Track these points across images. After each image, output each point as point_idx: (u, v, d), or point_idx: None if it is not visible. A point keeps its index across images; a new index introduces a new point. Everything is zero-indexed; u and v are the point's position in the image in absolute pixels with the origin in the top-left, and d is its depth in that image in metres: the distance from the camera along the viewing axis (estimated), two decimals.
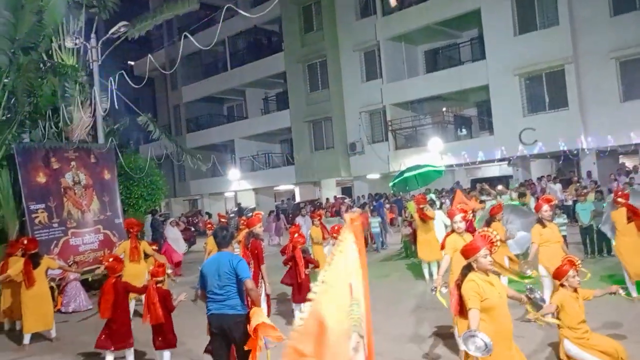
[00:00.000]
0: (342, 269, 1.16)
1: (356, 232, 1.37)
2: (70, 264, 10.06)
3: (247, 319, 4.47)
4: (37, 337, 7.70)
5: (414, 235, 11.06)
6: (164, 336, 5.62)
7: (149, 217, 14.54)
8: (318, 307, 1.00)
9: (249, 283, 4.49)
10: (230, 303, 4.50)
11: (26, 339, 7.45)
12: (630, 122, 15.33)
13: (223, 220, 11.45)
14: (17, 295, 7.72)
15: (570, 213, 12.97)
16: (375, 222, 14.41)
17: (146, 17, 13.22)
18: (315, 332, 0.94)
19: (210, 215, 26.32)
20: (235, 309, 4.50)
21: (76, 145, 11.52)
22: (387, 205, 17.79)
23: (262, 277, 6.51)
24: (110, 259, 6.12)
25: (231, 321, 4.47)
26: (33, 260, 7.49)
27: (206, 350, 4.98)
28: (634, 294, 7.06)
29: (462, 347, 3.38)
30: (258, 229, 6.85)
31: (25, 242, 7.67)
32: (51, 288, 8.40)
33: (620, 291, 5.04)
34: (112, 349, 5.78)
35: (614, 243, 7.66)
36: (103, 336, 5.81)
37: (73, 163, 11.30)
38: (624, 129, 15.51)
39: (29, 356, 7.15)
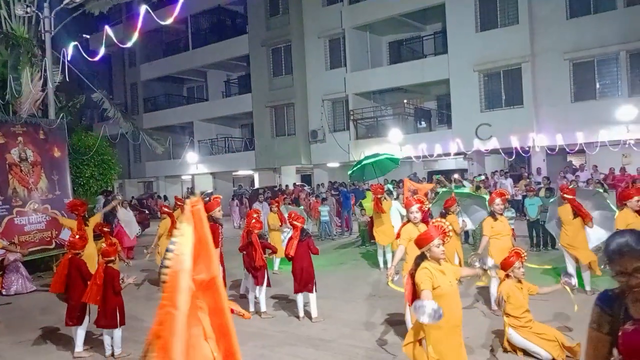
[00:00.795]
0: (183, 254, 1.10)
1: (196, 218, 1.25)
2: (9, 243, 9.61)
3: None
4: None
5: (371, 224, 11.22)
6: (106, 316, 5.57)
7: (101, 198, 14.06)
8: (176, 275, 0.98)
9: None
10: None
11: None
12: (578, 123, 16.03)
13: (179, 203, 11.23)
14: None
15: (520, 207, 13.51)
16: (324, 210, 14.46)
17: None
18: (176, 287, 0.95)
19: (165, 198, 25.80)
20: None
21: (24, 120, 10.96)
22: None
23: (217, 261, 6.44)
24: (77, 236, 6.12)
25: None
26: None
27: None
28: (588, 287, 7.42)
29: (409, 324, 3.47)
30: (217, 213, 6.80)
31: None
32: None
33: (570, 283, 5.33)
34: (69, 324, 5.84)
35: (558, 238, 8.02)
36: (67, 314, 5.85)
37: (20, 138, 10.76)
38: (572, 128, 16.20)
39: None
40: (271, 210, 10.46)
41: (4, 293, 9.07)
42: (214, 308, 1.24)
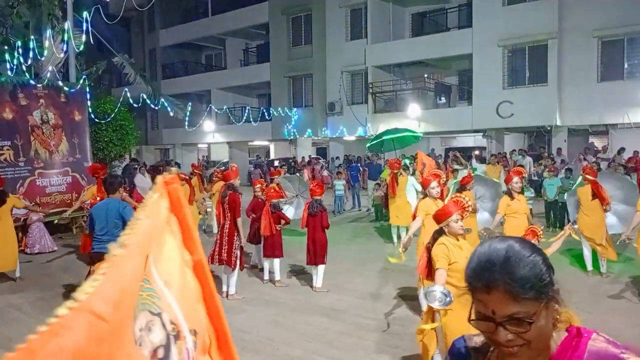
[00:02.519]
0: (143, 237, 0.97)
1: (172, 197, 1.10)
2: (33, 204, 9.84)
3: None
4: (1, 276, 7.59)
5: (385, 199, 11.20)
6: None
7: (117, 163, 14.22)
8: (115, 271, 0.85)
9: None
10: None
11: None
12: (603, 103, 15.65)
13: (197, 171, 11.33)
14: None
15: (537, 188, 13.35)
16: (339, 184, 14.38)
17: None
18: (110, 296, 0.82)
19: (179, 166, 26.02)
20: None
21: (46, 82, 11.05)
22: (360, 169, 17.92)
23: (237, 230, 6.56)
24: (98, 198, 6.39)
25: None
26: None
27: None
28: (589, 267, 7.42)
29: (424, 305, 3.50)
30: (236, 182, 6.85)
31: None
32: (16, 228, 8.23)
33: (574, 226, 5.29)
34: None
35: (575, 219, 7.95)
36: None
37: (42, 101, 10.86)
38: (596, 109, 15.83)
39: None
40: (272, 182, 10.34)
41: (27, 251, 9.33)
42: (204, 291, 1.19)
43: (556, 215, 10.97)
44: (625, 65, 16.22)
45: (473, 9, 18.46)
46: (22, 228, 9.57)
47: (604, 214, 7.23)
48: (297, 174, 14.11)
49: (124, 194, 8.09)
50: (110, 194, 5.46)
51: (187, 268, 1.11)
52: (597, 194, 7.14)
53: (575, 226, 5.46)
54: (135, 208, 6.33)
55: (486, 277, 1.08)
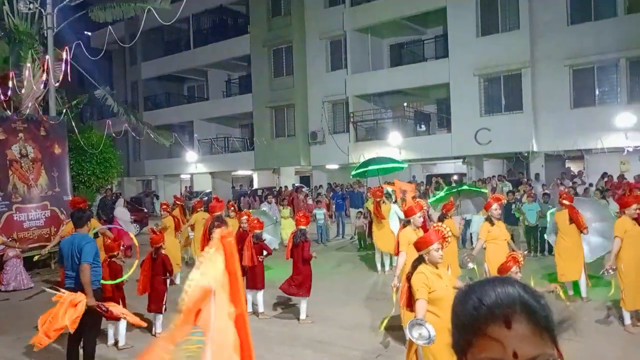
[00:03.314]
0: (199, 290, 1.06)
1: (227, 251, 1.19)
2: (9, 239, 9.63)
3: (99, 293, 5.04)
4: None
5: (369, 228, 11.25)
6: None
7: (98, 196, 14.07)
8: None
9: (83, 266, 4.84)
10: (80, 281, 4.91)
11: None
12: (577, 129, 16.10)
13: (178, 202, 11.26)
14: None
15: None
16: (320, 213, 14.34)
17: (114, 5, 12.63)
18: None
19: (157, 197, 25.81)
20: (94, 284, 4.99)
21: (25, 116, 10.98)
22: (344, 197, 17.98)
23: None
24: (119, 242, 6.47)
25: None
26: None
27: None
28: (571, 292, 7.51)
29: (407, 335, 3.50)
30: (222, 214, 6.89)
31: None
32: None
33: (559, 289, 5.35)
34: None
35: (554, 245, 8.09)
36: None
37: (21, 135, 10.78)
38: (571, 134, 16.28)
39: None
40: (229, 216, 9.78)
41: (2, 289, 9.08)
42: (242, 343, 1.29)
43: (536, 240, 11.12)
44: (597, 92, 16.80)
45: (449, 39, 19.04)
46: None
47: (580, 237, 7.38)
48: (264, 208, 13.89)
49: (102, 226, 8.02)
50: (78, 229, 5.19)
51: (229, 320, 1.18)
52: (573, 218, 7.30)
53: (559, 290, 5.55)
54: (112, 240, 6.28)
55: (506, 307, 0.89)
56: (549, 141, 17.06)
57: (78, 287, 4.93)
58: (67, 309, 4.74)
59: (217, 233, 1.15)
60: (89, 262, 4.90)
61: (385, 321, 5.74)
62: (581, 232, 7.28)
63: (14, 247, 9.40)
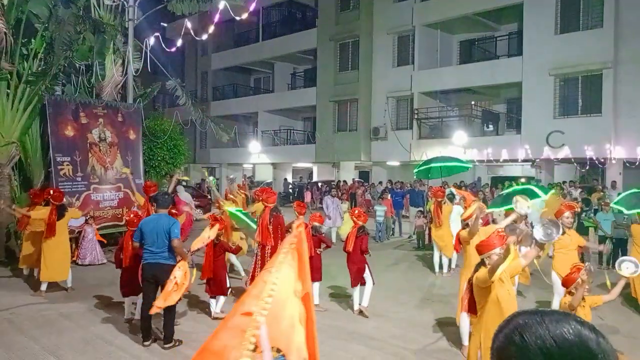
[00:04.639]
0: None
1: (299, 237, 1.30)
2: (87, 218, 10.32)
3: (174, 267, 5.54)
4: (53, 285, 7.97)
5: (429, 228, 11.04)
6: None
7: (170, 182, 14.72)
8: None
9: (176, 242, 5.50)
10: (165, 255, 5.55)
11: (43, 286, 7.71)
12: None
13: (242, 191, 11.57)
14: (38, 243, 7.98)
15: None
16: (380, 210, 14.00)
17: None
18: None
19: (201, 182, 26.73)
20: (168, 260, 5.56)
21: (105, 102, 11.69)
22: (404, 195, 17.73)
23: None
24: (132, 215, 6.74)
25: (163, 269, 5.49)
26: (58, 212, 7.70)
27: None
28: None
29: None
30: (278, 205, 7.06)
31: (52, 192, 7.86)
32: (70, 240, 8.66)
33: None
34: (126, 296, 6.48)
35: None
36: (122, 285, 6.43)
37: (101, 120, 11.50)
38: None
39: (44, 302, 7.42)
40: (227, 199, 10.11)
41: (79, 263, 9.77)
42: (308, 319, 1.37)
43: (610, 251, 10.44)
44: None
45: (524, 37, 18.20)
46: (76, 240, 10.04)
47: None
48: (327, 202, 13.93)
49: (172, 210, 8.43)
50: (161, 209, 5.79)
51: (295, 297, 1.29)
52: None
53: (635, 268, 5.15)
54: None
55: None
56: (629, 147, 15.93)
57: (160, 259, 5.52)
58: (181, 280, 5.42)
59: (295, 223, 1.30)
60: (179, 237, 5.59)
61: None
62: None
63: (92, 220, 10.07)
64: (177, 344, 5.65)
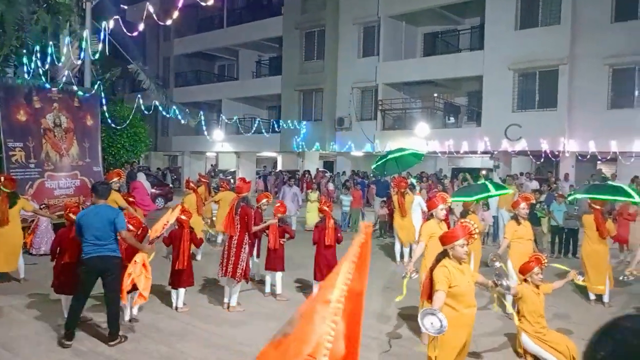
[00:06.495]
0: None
1: (367, 238, 1.40)
2: (42, 207, 9.93)
3: (122, 260, 5.48)
4: (4, 276, 7.66)
5: (390, 218, 11.21)
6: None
7: (124, 170, 14.36)
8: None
9: (124, 233, 5.32)
10: (111, 247, 5.31)
11: None
12: (613, 130, 15.63)
13: (204, 180, 11.41)
14: None
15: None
16: (346, 200, 14.32)
17: None
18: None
19: (165, 172, 26.38)
20: (115, 252, 5.37)
21: (61, 86, 11.23)
22: (367, 185, 17.94)
23: (246, 242, 6.65)
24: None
25: (111, 262, 5.30)
26: (10, 199, 7.38)
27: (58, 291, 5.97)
28: (592, 296, 7.37)
29: (420, 324, 3.47)
30: (249, 196, 6.99)
31: (3, 179, 7.52)
32: (23, 229, 8.31)
33: (579, 277, 5.29)
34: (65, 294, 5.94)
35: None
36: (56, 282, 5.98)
37: (55, 104, 11.04)
38: (606, 136, 15.81)
39: None
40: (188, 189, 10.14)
41: (33, 252, 9.40)
42: (352, 314, 1.44)
43: (561, 241, 10.92)
44: (636, 94, 16.23)
45: (485, 31, 18.60)
46: (29, 228, 9.65)
47: (607, 242, 7.24)
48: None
49: (126, 205, 8.18)
50: (100, 200, 5.42)
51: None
52: (597, 224, 7.14)
53: (581, 277, 5.43)
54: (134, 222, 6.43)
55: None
56: (581, 141, 16.61)
57: (106, 251, 5.24)
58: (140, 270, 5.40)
59: (362, 225, 1.33)
60: (125, 229, 5.39)
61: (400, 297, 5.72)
62: (603, 238, 7.14)
63: (44, 215, 9.67)
64: (122, 340, 5.43)
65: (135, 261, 5.43)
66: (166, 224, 6.03)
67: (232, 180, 11.77)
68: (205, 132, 21.16)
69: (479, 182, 10.00)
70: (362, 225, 1.28)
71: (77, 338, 5.52)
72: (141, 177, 13.08)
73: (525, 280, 5.36)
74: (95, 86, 12.04)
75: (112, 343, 5.33)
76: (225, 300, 6.73)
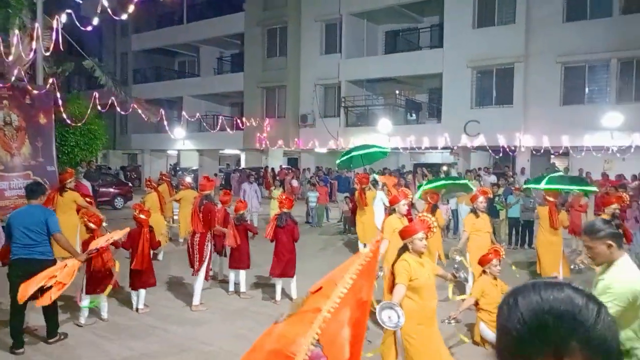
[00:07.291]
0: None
1: (375, 252, 1.47)
2: None
3: (52, 263, 5.19)
4: None
5: (353, 214, 11.30)
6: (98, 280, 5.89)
7: (80, 169, 13.86)
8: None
9: (58, 236, 5.17)
10: (40, 250, 5.10)
11: None
12: (565, 126, 16.27)
13: (165, 178, 11.19)
14: None
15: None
16: (313, 196, 14.50)
17: None
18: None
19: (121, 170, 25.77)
20: (45, 255, 5.16)
21: (11, 83, 10.73)
22: (330, 181, 18.01)
23: (209, 240, 6.59)
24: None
25: (40, 265, 5.03)
26: None
27: None
28: None
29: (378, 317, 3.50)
30: (212, 193, 6.93)
31: None
32: None
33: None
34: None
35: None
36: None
37: (5, 102, 10.56)
38: (558, 131, 16.44)
39: None
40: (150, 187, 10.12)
41: None
42: (359, 322, 1.48)
43: (518, 233, 11.31)
44: (587, 90, 16.96)
45: (444, 29, 18.98)
46: None
47: (560, 233, 7.54)
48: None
49: (86, 204, 7.95)
50: (32, 200, 5.26)
51: (354, 302, 1.39)
52: (550, 215, 7.43)
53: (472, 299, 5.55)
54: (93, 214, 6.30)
55: (555, 336, 0.75)
56: (536, 136, 17.22)
57: (35, 254, 5.06)
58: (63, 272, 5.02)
59: (372, 244, 1.43)
60: (60, 231, 5.19)
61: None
62: (556, 229, 7.45)
63: None
64: (62, 337, 5.36)
65: (66, 264, 5.15)
66: (109, 239, 5.83)
67: (189, 180, 11.43)
68: (167, 129, 20.71)
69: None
70: (371, 241, 1.36)
71: (31, 339, 5.36)
72: (79, 176, 12.58)
73: (484, 272, 5.55)
74: (49, 83, 11.57)
75: (51, 341, 5.28)
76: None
